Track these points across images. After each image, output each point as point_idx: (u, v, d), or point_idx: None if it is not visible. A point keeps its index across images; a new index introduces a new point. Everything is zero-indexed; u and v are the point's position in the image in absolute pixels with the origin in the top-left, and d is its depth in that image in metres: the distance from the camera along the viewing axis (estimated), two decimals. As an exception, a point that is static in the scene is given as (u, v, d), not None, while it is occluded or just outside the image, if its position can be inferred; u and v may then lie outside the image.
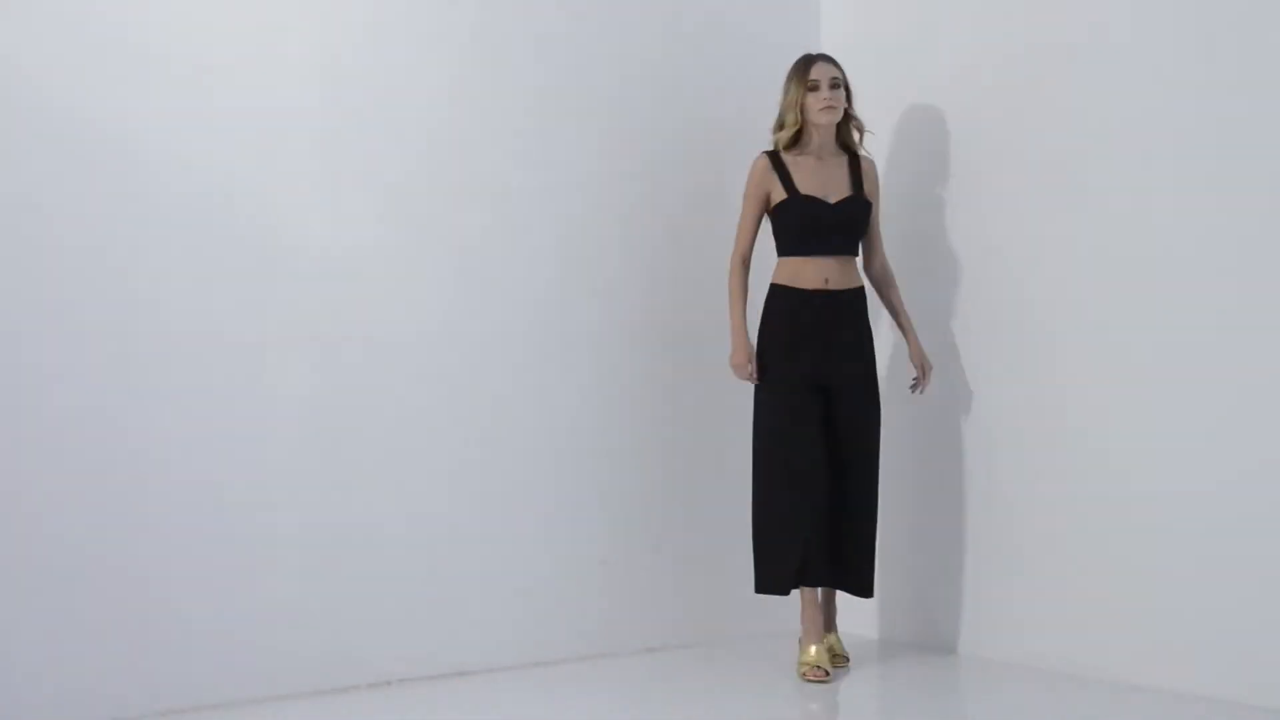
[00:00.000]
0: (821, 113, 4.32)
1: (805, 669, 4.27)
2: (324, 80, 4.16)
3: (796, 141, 4.39)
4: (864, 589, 4.44)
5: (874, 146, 4.75)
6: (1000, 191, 4.52)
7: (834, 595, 4.53)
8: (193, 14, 3.94)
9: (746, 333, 4.37)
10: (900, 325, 4.53)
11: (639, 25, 4.77)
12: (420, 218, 4.32)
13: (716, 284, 4.67)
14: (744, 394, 4.48)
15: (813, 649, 4.31)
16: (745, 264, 4.41)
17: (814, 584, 4.32)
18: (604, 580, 4.63)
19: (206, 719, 3.80)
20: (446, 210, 4.37)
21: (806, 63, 4.38)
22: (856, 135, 4.45)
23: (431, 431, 4.31)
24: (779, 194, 4.35)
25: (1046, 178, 4.37)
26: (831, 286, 4.33)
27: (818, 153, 4.39)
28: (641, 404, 4.73)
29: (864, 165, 4.44)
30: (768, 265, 4.42)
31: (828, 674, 4.24)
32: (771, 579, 4.32)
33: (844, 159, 4.42)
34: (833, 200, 4.35)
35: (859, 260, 4.49)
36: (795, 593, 4.36)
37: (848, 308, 4.36)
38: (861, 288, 4.42)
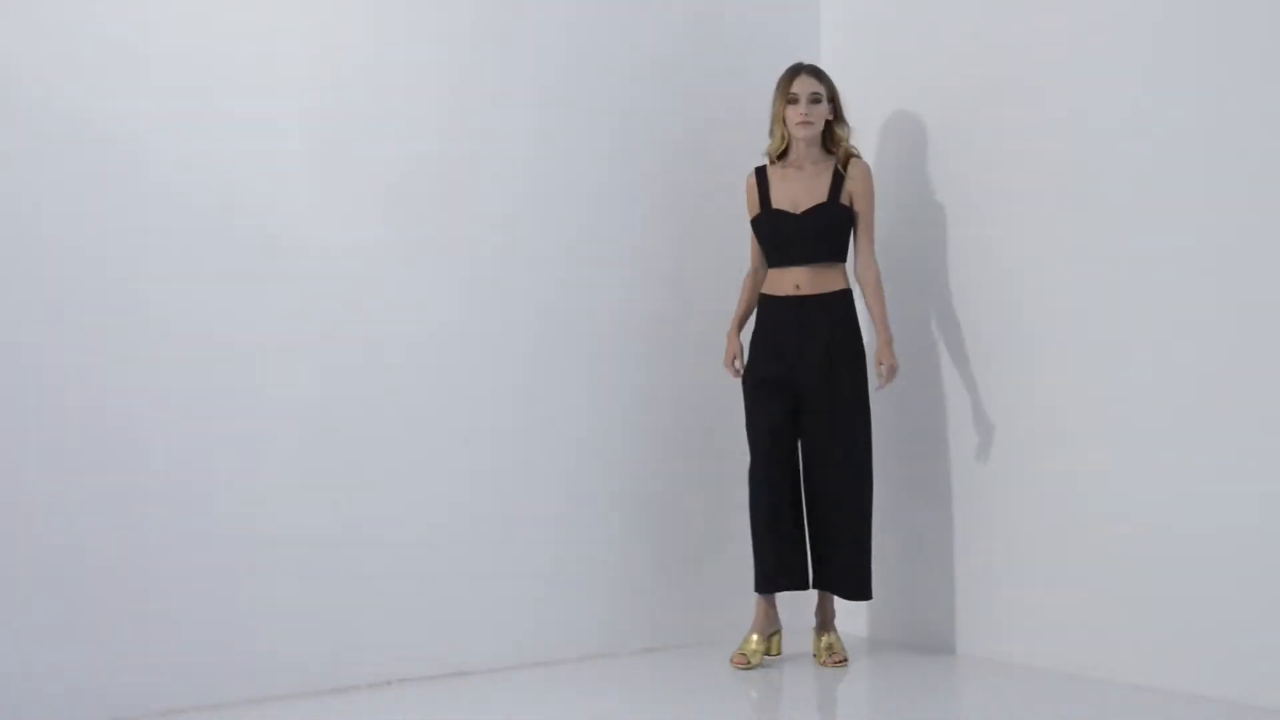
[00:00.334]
0: (798, 127, 4.41)
1: (734, 653, 4.45)
2: (324, 80, 4.16)
3: (787, 152, 4.47)
4: (854, 592, 4.45)
5: (873, 146, 4.75)
6: (996, 192, 4.51)
7: (830, 596, 4.54)
8: (193, 14, 3.94)
9: (735, 335, 4.54)
10: (875, 325, 4.49)
11: (641, 26, 4.77)
12: (420, 219, 4.32)
13: (719, 285, 4.70)
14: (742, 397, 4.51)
15: (754, 638, 4.45)
16: (751, 275, 4.60)
17: (769, 589, 4.45)
18: (604, 580, 4.63)
19: (206, 719, 3.80)
20: (447, 211, 4.37)
21: (790, 76, 4.44)
22: (841, 142, 4.46)
23: (432, 432, 4.32)
24: (755, 209, 4.49)
25: (1043, 178, 4.37)
26: (802, 292, 4.40)
27: (800, 163, 4.47)
28: (642, 404, 4.73)
29: (850, 170, 4.45)
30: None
31: (749, 663, 4.39)
32: (758, 578, 4.49)
33: (829, 166, 4.46)
34: (800, 210, 4.40)
35: (846, 265, 4.51)
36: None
37: (820, 312, 4.39)
38: (843, 291, 4.44)
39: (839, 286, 4.44)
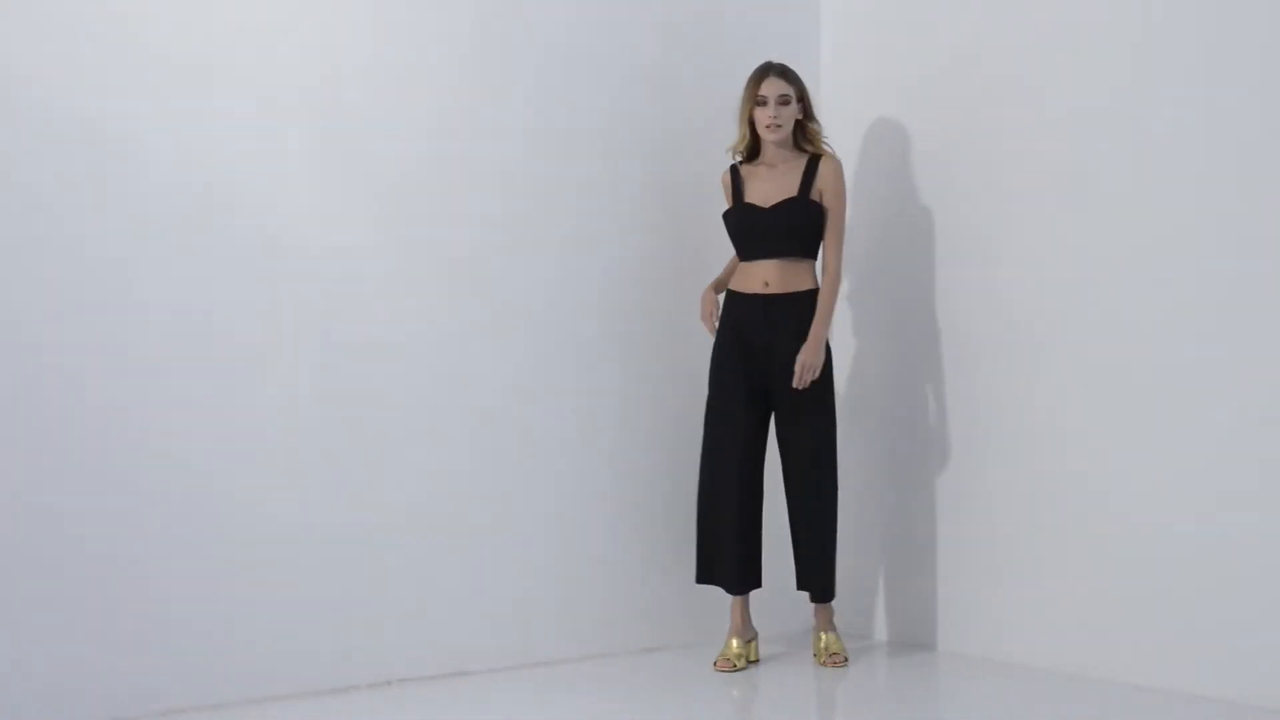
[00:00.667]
0: (766, 129, 4.41)
1: (717, 659, 4.41)
2: (324, 80, 4.16)
3: (758, 151, 4.48)
4: (820, 592, 4.45)
5: (873, 146, 4.75)
6: (995, 191, 4.51)
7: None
8: (193, 14, 3.94)
9: (711, 292, 4.54)
10: (815, 318, 4.40)
11: (641, 27, 4.77)
12: (420, 219, 4.32)
13: (717, 285, 4.70)
14: (742, 394, 4.51)
15: (733, 642, 4.43)
16: (733, 262, 4.58)
17: (723, 585, 4.45)
18: (604, 580, 4.63)
19: (206, 719, 3.80)
20: (446, 211, 4.37)
21: (758, 77, 4.43)
22: (813, 139, 4.46)
23: (431, 432, 4.32)
24: (729, 204, 4.52)
25: (1043, 177, 4.37)
26: (771, 290, 4.40)
27: (773, 161, 4.47)
28: (642, 405, 4.73)
29: (821, 166, 4.44)
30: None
31: (734, 667, 4.37)
32: (702, 571, 4.49)
33: (801, 162, 4.46)
34: (770, 205, 4.40)
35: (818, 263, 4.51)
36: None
37: (789, 311, 4.39)
38: (811, 291, 4.43)
39: (807, 286, 4.43)
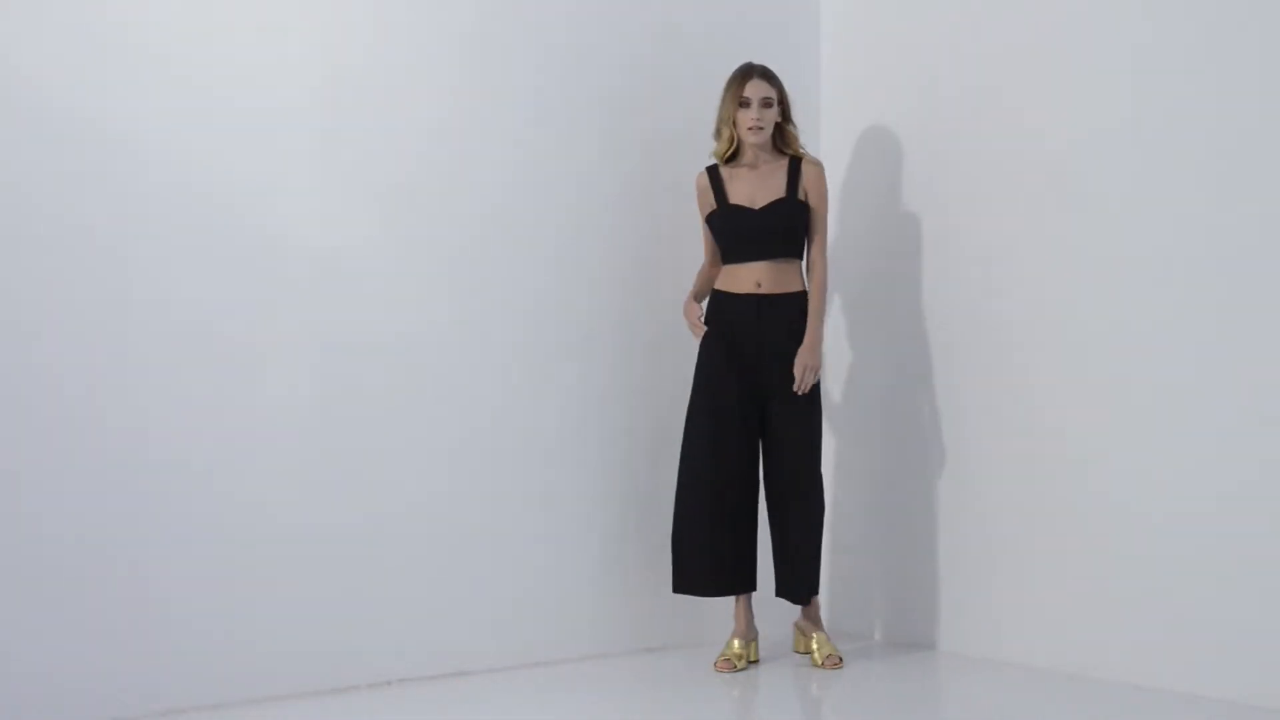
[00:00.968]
0: (749, 132, 4.39)
1: (718, 659, 4.40)
2: (324, 80, 4.16)
3: (737, 153, 4.45)
4: (807, 594, 4.45)
5: (873, 148, 4.74)
6: (994, 194, 4.51)
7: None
8: (193, 14, 3.94)
9: (693, 301, 4.52)
10: (808, 322, 4.42)
11: (641, 27, 4.77)
12: (419, 219, 4.32)
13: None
14: (742, 394, 4.51)
15: (735, 642, 4.43)
16: (704, 270, 4.57)
17: (704, 594, 4.45)
18: (604, 580, 4.63)
19: (206, 719, 3.80)
20: (445, 211, 4.37)
21: (741, 78, 4.40)
22: (792, 141, 4.45)
23: (431, 432, 4.31)
24: (710, 206, 4.48)
25: (1042, 180, 4.37)
26: (764, 290, 4.39)
27: (753, 163, 4.45)
28: (644, 404, 4.73)
29: (804, 168, 4.44)
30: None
31: (734, 667, 4.36)
32: (680, 580, 4.45)
33: (783, 164, 4.45)
34: (759, 206, 4.39)
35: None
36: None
37: (780, 311, 4.39)
38: (802, 293, 4.43)
39: (798, 288, 4.43)
